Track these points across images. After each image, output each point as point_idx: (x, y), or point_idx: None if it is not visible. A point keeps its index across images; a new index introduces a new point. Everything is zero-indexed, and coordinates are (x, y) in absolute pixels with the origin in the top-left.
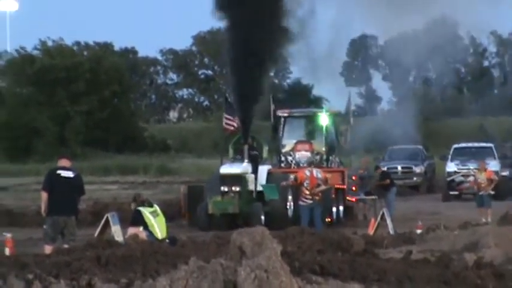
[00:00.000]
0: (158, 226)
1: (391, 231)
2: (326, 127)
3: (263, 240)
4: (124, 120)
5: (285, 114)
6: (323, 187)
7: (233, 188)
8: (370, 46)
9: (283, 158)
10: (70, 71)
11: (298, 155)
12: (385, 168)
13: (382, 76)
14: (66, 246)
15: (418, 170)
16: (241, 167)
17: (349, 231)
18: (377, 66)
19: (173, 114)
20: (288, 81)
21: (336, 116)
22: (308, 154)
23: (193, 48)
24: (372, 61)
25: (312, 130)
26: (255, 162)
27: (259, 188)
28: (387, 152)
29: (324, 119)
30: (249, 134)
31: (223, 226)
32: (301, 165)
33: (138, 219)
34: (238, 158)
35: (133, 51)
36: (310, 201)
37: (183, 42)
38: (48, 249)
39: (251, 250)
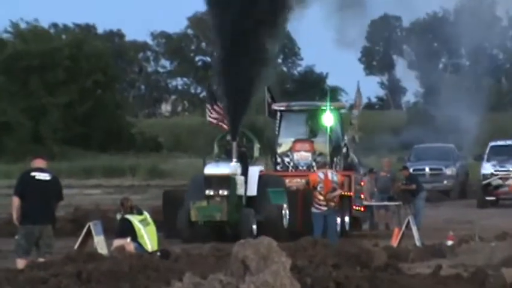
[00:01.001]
0: (148, 237)
1: (418, 243)
2: (330, 124)
3: (269, 253)
4: (108, 114)
5: (282, 108)
6: (339, 192)
7: (220, 192)
8: (393, 28)
9: (279, 160)
10: (46, 58)
11: (296, 156)
12: (410, 171)
13: (408, 63)
14: (41, 259)
15: (449, 171)
16: (230, 167)
17: (369, 242)
18: (401, 52)
19: (165, 108)
20: (299, 69)
21: (341, 111)
22: (308, 155)
23: (189, 31)
24: (395, 46)
25: (313, 127)
26: (244, 162)
27: (251, 193)
28: (413, 151)
29: (327, 114)
30: (239, 129)
31: (208, 236)
32: (300, 168)
33: (126, 229)
34: (223, 157)
35: (119, 35)
36: (325, 208)
37: (176, 25)
38: (21, 263)
39: (256, 265)
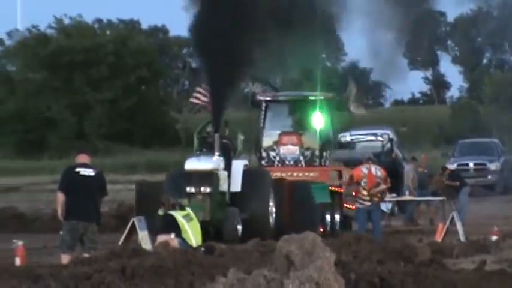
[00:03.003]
0: (192, 232)
1: (462, 238)
2: (319, 115)
3: (314, 249)
4: (152, 110)
5: (268, 98)
6: (383, 187)
7: (202, 189)
8: (437, 23)
9: (264, 154)
10: (90, 53)
11: (283, 150)
12: (454, 166)
13: (452, 58)
14: (86, 255)
15: (493, 167)
16: (212, 162)
17: (413, 238)
18: (446, 47)
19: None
20: (343, 64)
21: (332, 102)
22: (296, 149)
23: None
24: (439, 41)
25: (301, 119)
26: (227, 156)
27: (235, 189)
28: (457, 147)
29: (316, 105)
30: (222, 120)
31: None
32: (286, 162)
33: (170, 225)
34: (204, 151)
35: (163, 30)
36: (368, 203)
37: None
38: (65, 258)
39: (300, 260)
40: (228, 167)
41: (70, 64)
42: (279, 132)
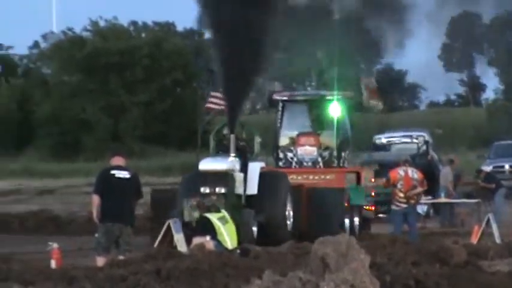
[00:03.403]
0: (228, 234)
1: (498, 240)
2: (337, 115)
3: (349, 251)
4: (188, 112)
5: (284, 98)
6: (420, 189)
7: (217, 190)
8: (473, 25)
9: (281, 155)
10: (125, 56)
11: (300, 150)
12: (490, 168)
13: (488, 61)
14: (121, 257)
15: None
16: (227, 163)
17: (448, 240)
18: (481, 49)
19: (245, 105)
20: (378, 66)
21: (350, 101)
22: (313, 150)
23: None
24: (475, 43)
25: (319, 119)
26: (243, 158)
27: (251, 191)
28: (493, 149)
29: (334, 105)
30: (237, 121)
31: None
32: (304, 164)
33: (205, 227)
34: (221, 153)
35: (199, 33)
36: (405, 206)
37: None
38: (100, 261)
39: (335, 262)
40: (244, 169)
41: (105, 66)
42: (296, 132)
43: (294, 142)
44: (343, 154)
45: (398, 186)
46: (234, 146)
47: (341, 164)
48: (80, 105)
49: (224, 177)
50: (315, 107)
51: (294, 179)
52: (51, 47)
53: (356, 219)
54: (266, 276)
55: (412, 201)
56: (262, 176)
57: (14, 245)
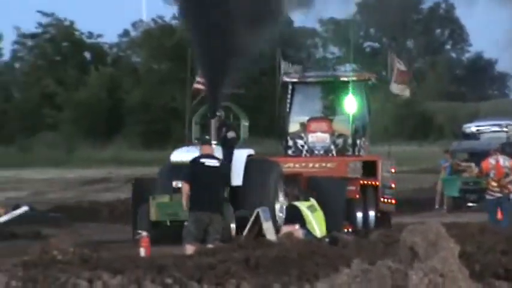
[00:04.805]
0: (316, 223)
1: None
2: (352, 98)
3: (438, 240)
4: (274, 100)
5: (294, 80)
6: None
7: None
8: None
9: (290, 142)
10: None
11: (311, 137)
12: None
13: None
14: (210, 246)
15: None
16: None
17: None
18: None
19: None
20: (468, 55)
21: (367, 83)
22: (326, 136)
23: (357, 17)
24: None
25: (332, 103)
26: (229, 145)
27: (235, 182)
28: None
29: (349, 87)
30: (219, 103)
31: (175, 238)
32: (315, 152)
33: (294, 216)
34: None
35: (288, 22)
36: (499, 194)
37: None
38: (189, 249)
39: (424, 251)
40: (229, 158)
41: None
42: (307, 117)
43: (304, 128)
44: (358, 141)
45: (491, 175)
46: (215, 133)
47: (357, 152)
48: (169, 94)
49: None
50: (328, 89)
51: (289, 168)
52: (141, 35)
53: (371, 213)
54: (355, 264)
55: (506, 190)
56: (249, 164)
57: (103, 233)
